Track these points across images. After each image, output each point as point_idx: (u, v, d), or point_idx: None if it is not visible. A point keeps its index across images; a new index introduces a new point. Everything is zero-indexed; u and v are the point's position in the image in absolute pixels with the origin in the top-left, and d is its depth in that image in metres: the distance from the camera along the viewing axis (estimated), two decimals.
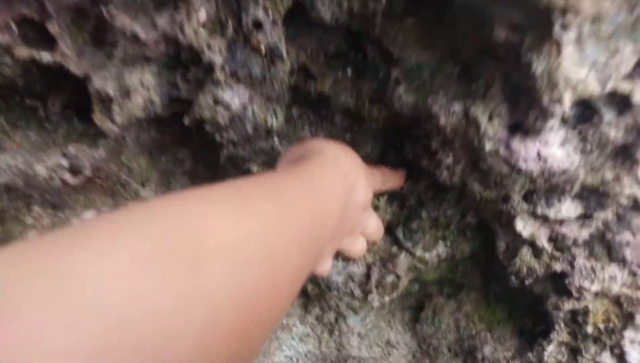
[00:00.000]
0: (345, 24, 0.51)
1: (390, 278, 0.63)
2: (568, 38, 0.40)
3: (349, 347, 0.67)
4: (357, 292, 0.64)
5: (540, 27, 0.42)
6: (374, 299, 0.64)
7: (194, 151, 0.61)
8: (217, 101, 0.50)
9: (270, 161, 0.57)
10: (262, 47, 0.48)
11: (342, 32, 0.55)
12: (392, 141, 0.68)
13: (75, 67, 0.53)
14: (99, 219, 0.23)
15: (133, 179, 0.57)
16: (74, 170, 0.54)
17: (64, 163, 0.53)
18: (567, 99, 0.43)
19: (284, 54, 0.49)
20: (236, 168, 0.57)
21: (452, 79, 0.54)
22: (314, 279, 0.64)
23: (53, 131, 0.57)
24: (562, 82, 0.42)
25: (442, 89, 0.54)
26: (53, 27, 0.51)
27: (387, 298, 0.64)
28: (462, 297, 0.70)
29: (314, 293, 0.65)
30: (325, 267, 0.50)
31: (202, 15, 0.48)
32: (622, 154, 0.49)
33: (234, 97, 0.50)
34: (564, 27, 0.40)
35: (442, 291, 0.72)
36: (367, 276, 0.64)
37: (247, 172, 0.58)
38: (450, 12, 0.50)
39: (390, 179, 0.62)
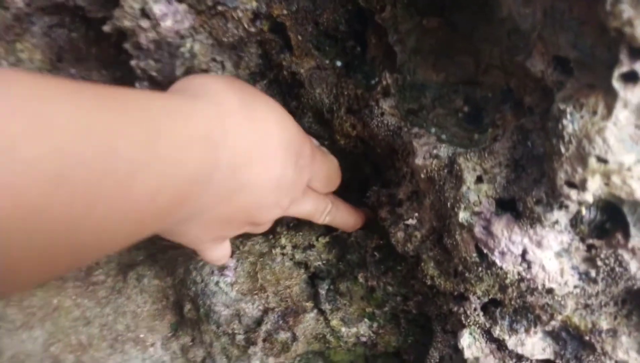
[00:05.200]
0: None
1: (283, 335, 0.48)
2: (629, 98, 0.26)
3: None
4: (240, 337, 0.49)
5: (595, 69, 0.28)
6: (255, 354, 0.48)
7: (111, 72, 0.47)
8: (144, 11, 0.37)
9: None
10: None
11: (345, 2, 0.41)
12: (359, 182, 0.53)
13: None
14: None
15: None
16: None
17: None
18: (592, 187, 0.29)
19: None
20: None
21: (455, 117, 0.40)
22: (194, 299, 0.49)
23: None
24: (594, 158, 0.27)
25: (437, 126, 0.40)
26: None
27: (271, 361, 0.49)
28: None
29: (189, 316, 0.50)
30: (213, 254, 0.42)
31: None
32: (632, 303, 0.35)
33: (168, 15, 0.37)
34: (629, 78, 0.26)
35: None
36: (259, 322, 0.48)
37: None
38: (489, 27, 0.36)
39: (346, 214, 0.48)
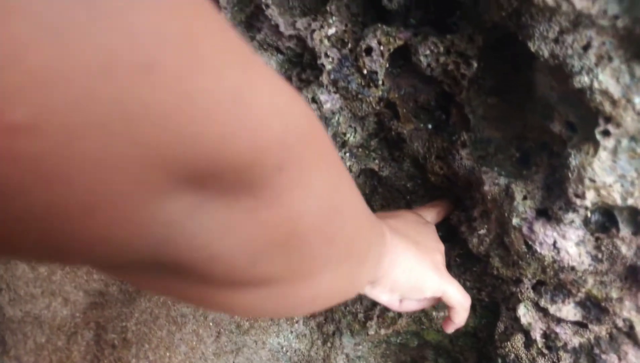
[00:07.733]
0: (438, 78, 0.61)
1: (392, 313, 0.69)
2: (605, 144, 0.47)
3: (334, 362, 0.71)
4: (361, 315, 0.70)
5: (588, 129, 0.49)
6: (372, 327, 0.69)
7: None
8: (314, 99, 0.61)
9: None
10: (365, 70, 0.59)
11: (435, 88, 0.64)
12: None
13: None
14: None
15: None
16: None
17: None
18: (589, 197, 0.49)
19: (380, 82, 0.60)
20: None
21: (511, 161, 0.61)
22: None
23: None
24: (588, 180, 0.48)
25: (498, 166, 0.61)
26: (222, 1, 0.66)
27: (383, 331, 0.69)
28: None
29: None
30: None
31: (332, 30, 0.60)
32: (631, 277, 0.53)
33: (328, 101, 0.61)
34: (605, 133, 0.47)
35: (437, 360, 0.76)
36: (375, 303, 0.69)
37: None
38: (530, 102, 0.58)
39: (441, 209, 0.68)
